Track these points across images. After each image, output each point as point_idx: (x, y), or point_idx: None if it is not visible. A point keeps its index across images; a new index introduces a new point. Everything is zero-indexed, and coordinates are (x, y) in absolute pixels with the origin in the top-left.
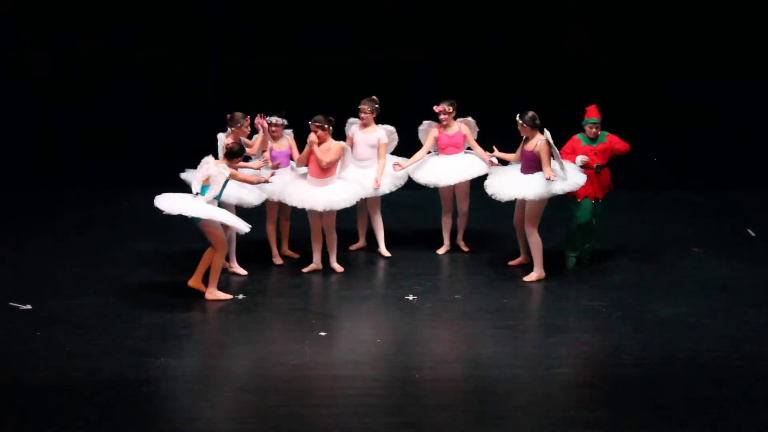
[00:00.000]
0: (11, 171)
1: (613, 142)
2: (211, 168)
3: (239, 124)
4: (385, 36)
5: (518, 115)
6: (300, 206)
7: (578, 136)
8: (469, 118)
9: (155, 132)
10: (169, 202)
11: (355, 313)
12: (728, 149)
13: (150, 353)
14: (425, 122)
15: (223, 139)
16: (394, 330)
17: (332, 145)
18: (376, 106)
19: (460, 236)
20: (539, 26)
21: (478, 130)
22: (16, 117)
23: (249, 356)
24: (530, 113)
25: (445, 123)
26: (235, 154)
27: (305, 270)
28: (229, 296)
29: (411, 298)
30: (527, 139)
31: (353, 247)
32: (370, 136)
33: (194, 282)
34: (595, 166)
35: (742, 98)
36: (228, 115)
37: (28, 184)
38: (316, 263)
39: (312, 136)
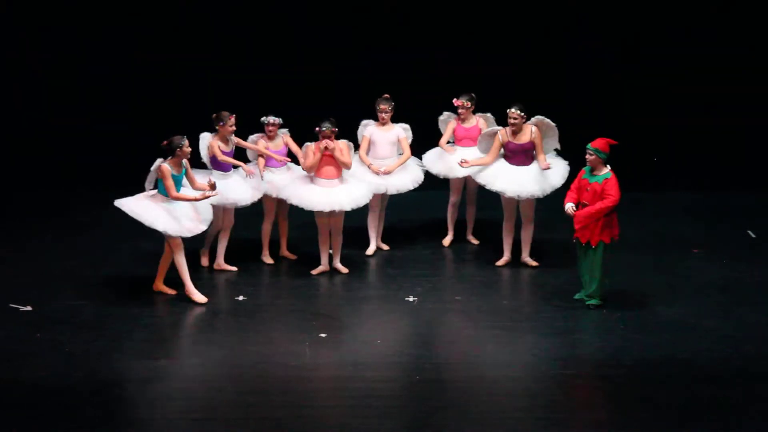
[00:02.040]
0: (11, 171)
1: (605, 187)
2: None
3: (222, 123)
4: (379, 36)
5: (515, 108)
6: (319, 209)
7: (585, 167)
8: (488, 114)
9: (155, 132)
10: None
11: (355, 314)
12: (728, 149)
13: (150, 354)
14: (445, 113)
15: (208, 138)
16: (394, 331)
17: (342, 146)
18: (393, 104)
19: (469, 230)
20: (538, 25)
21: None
22: (16, 117)
23: (249, 357)
24: (520, 104)
25: (463, 117)
26: (170, 150)
27: (314, 272)
28: (204, 299)
29: (411, 299)
30: (515, 133)
31: (370, 252)
32: (390, 134)
33: (157, 285)
34: (582, 202)
35: (742, 98)
36: (214, 115)
37: (28, 184)
38: (325, 265)
39: (329, 143)
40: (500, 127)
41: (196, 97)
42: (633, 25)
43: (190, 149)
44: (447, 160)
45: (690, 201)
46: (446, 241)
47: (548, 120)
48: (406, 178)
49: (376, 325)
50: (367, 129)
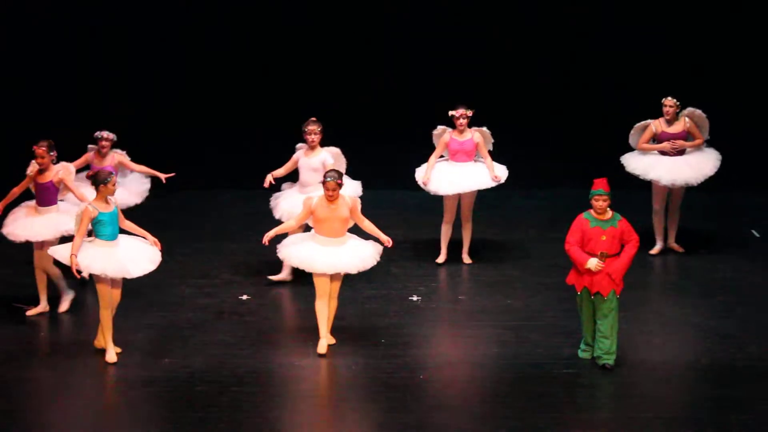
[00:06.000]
0: (12, 171)
1: (623, 229)
2: None
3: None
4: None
5: (670, 98)
6: (323, 271)
7: (585, 216)
8: (484, 128)
9: (152, 133)
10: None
11: (358, 314)
12: (733, 148)
13: (153, 353)
14: (440, 127)
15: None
16: (398, 331)
17: (350, 200)
18: (321, 126)
19: (465, 249)
20: (540, 26)
21: (492, 141)
22: (16, 117)
23: (252, 357)
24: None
25: (461, 128)
26: (94, 186)
27: (320, 351)
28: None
29: (415, 298)
30: (669, 123)
31: (275, 278)
32: (314, 159)
33: (98, 342)
34: (599, 253)
35: (745, 98)
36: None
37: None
38: (324, 336)
39: (355, 205)
40: (651, 120)
41: (191, 102)
42: (636, 23)
43: (115, 187)
44: (439, 177)
45: (693, 201)
46: (440, 259)
47: (699, 111)
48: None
49: (379, 324)
50: (297, 153)
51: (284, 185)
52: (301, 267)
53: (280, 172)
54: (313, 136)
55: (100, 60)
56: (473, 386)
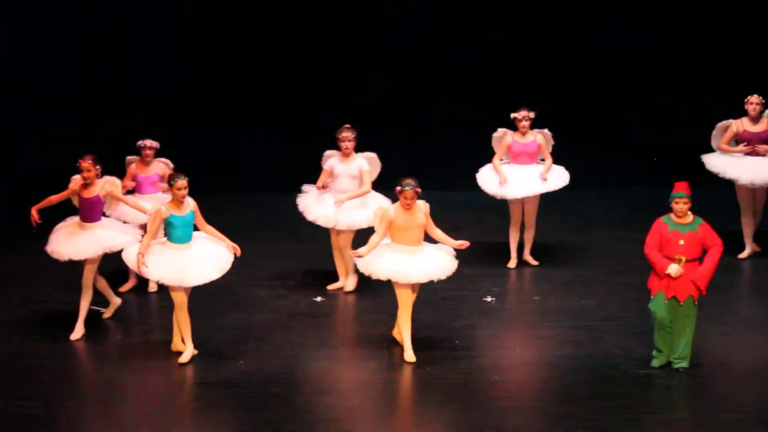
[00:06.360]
0: (13, 172)
1: (705, 234)
2: None
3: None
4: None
5: (756, 95)
6: (416, 280)
7: (664, 219)
8: (546, 130)
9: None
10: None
11: (433, 316)
12: None
13: (229, 356)
14: (500, 130)
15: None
16: (472, 332)
17: (424, 206)
18: (355, 133)
19: (527, 251)
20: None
21: (553, 143)
22: (16, 117)
23: (326, 359)
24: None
25: (523, 130)
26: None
27: (409, 360)
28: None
29: (489, 299)
30: (753, 120)
31: (331, 287)
32: (351, 166)
33: (175, 345)
34: (676, 257)
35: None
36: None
37: (35, 184)
38: (410, 348)
39: (422, 209)
40: (733, 120)
41: (194, 106)
42: (637, 23)
43: (184, 191)
44: (503, 180)
45: (701, 200)
46: (510, 264)
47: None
48: (360, 215)
49: (454, 325)
50: (329, 160)
51: (305, 186)
52: (394, 279)
53: (321, 185)
54: (347, 143)
55: (100, 60)
56: (548, 387)
